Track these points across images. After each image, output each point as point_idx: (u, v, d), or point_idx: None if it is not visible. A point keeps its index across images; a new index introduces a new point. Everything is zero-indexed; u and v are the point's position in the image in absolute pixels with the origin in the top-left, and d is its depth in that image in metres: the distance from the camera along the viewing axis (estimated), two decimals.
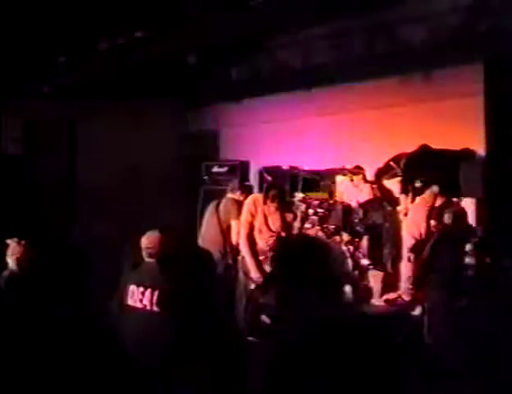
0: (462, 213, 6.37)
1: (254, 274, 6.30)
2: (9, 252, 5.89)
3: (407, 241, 6.83)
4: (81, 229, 8.74)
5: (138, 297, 4.44)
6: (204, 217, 7.55)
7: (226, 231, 7.19)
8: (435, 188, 6.31)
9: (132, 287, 4.52)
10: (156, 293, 4.23)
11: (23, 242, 5.88)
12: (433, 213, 6.60)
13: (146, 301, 4.36)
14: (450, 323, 5.88)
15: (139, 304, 4.41)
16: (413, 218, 6.88)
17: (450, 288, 6.06)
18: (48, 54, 7.74)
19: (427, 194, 6.41)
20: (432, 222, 6.48)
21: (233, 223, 7.06)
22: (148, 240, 4.82)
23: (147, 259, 4.74)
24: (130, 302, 4.52)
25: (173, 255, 4.47)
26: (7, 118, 8.79)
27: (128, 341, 3.43)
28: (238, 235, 6.93)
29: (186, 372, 3.70)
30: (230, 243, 7.10)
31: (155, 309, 4.17)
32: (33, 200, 8.60)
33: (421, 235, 6.69)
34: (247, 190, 7.51)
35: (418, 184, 6.58)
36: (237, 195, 7.32)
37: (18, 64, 7.82)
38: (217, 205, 7.43)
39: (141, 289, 4.42)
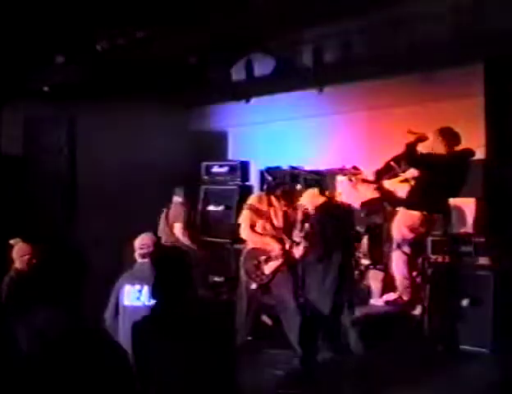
0: None
1: (273, 247, 6.28)
2: (17, 252, 5.86)
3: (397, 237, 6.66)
4: (81, 229, 8.75)
5: (134, 295, 4.46)
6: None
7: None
8: None
9: (127, 287, 4.55)
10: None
11: (30, 242, 5.88)
12: None
13: (143, 298, 4.37)
14: None
15: (136, 302, 4.43)
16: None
17: None
18: (47, 53, 7.74)
19: None
20: None
21: (176, 225, 7.77)
22: (141, 242, 4.89)
23: (139, 260, 4.80)
24: (126, 303, 4.54)
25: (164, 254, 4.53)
26: (8, 118, 8.78)
27: (125, 341, 3.44)
28: (182, 236, 7.66)
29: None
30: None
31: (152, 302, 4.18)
32: (33, 200, 8.59)
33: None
34: (191, 195, 8.20)
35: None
36: (183, 200, 7.94)
37: (18, 63, 7.81)
38: (167, 213, 7.98)
39: (137, 287, 4.44)
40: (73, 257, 7.79)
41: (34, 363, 2.29)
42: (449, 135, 6.45)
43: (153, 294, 3.71)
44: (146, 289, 4.43)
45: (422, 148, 6.50)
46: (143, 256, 4.82)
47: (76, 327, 2.50)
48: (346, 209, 6.62)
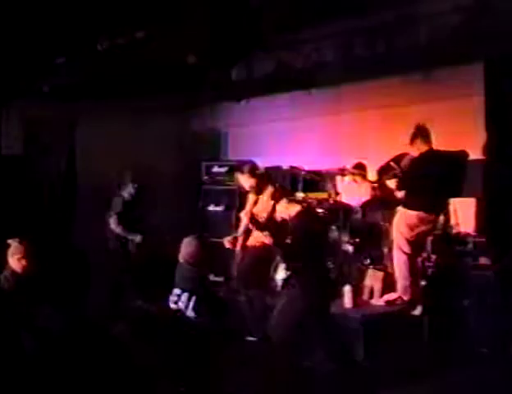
0: None
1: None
2: (11, 252, 5.86)
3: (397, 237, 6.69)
4: (81, 229, 8.75)
5: None
6: None
7: None
8: None
9: None
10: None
11: (24, 242, 5.87)
12: None
13: None
14: None
15: None
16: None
17: None
18: (48, 54, 7.74)
19: None
20: None
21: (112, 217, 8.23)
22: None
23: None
24: None
25: None
26: (8, 118, 8.78)
27: None
28: (115, 226, 8.15)
29: None
30: None
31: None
32: (33, 200, 8.60)
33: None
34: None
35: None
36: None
37: (19, 64, 7.81)
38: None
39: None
40: (77, 257, 7.80)
41: (35, 360, 2.30)
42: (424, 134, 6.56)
43: None
44: None
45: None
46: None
47: (78, 326, 2.51)
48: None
